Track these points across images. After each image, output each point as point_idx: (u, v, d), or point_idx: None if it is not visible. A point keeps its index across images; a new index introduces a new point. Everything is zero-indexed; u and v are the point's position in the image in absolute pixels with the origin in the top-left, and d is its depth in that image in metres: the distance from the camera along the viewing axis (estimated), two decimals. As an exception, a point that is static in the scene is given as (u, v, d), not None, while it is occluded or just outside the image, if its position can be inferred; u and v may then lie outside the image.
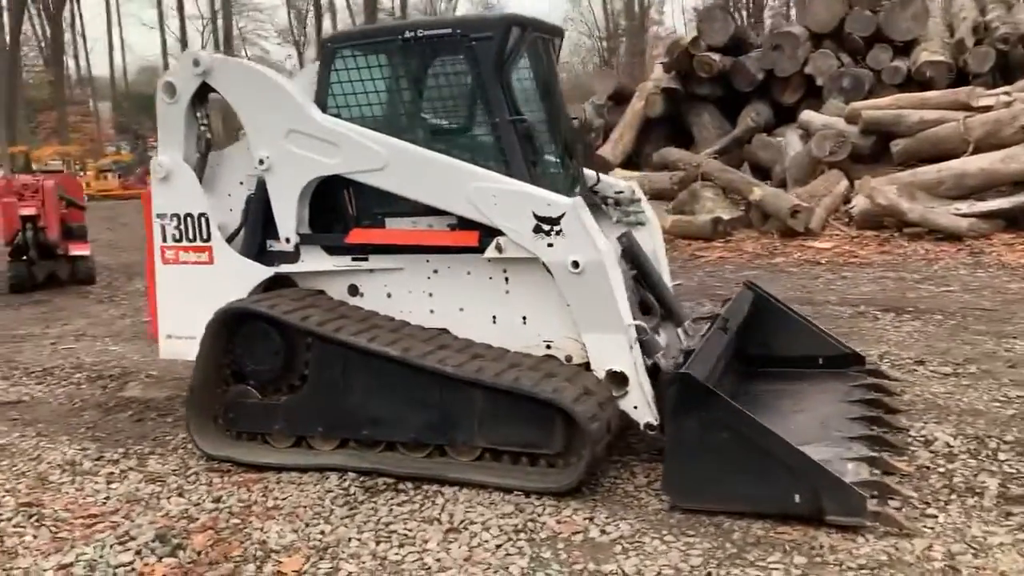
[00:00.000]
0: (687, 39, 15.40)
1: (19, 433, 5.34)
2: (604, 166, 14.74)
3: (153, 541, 3.76)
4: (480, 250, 4.49)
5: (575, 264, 4.23)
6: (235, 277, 4.93)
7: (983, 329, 6.89)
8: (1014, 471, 4.10)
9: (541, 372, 4.20)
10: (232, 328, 4.59)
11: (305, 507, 4.09)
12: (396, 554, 3.59)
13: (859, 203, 11.83)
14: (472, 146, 4.61)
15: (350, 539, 3.74)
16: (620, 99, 17.03)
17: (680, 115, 15.83)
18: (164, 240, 5.11)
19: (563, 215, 4.25)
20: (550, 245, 4.29)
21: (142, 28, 70.78)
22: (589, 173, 5.27)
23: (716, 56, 14.91)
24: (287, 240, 4.85)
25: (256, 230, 4.93)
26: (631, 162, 15.60)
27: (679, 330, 4.99)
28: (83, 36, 58.54)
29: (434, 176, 4.47)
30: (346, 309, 4.72)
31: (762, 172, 13.93)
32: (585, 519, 3.82)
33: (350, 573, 3.47)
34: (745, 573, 3.31)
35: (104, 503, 4.24)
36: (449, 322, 4.69)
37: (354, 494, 4.20)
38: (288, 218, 4.81)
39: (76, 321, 9.01)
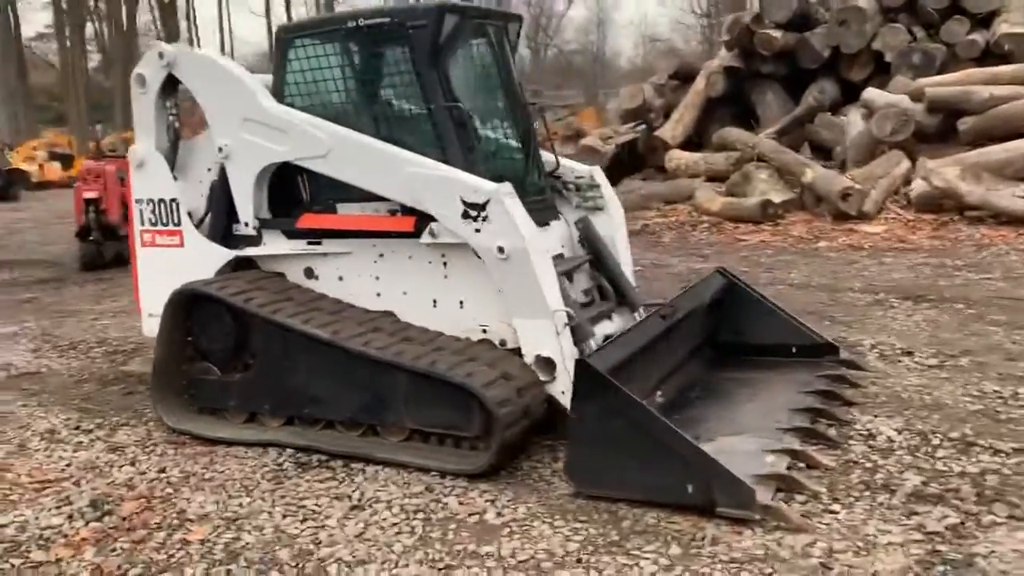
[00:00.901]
0: (748, 16, 14.93)
1: (22, 402, 5.75)
2: (591, 153, 14.60)
3: (87, 507, 4.02)
4: (417, 235, 4.57)
5: (500, 249, 4.27)
6: (202, 259, 5.18)
7: (1001, 320, 6.53)
8: (944, 469, 3.93)
9: (461, 356, 4.27)
10: (187, 308, 4.83)
11: (236, 480, 4.29)
12: (296, 528, 3.74)
13: (917, 185, 11.30)
14: (413, 133, 4.68)
15: (262, 512, 3.92)
16: (687, 78, 16.69)
17: (744, 94, 15.42)
18: (142, 224, 5.40)
19: (488, 201, 4.28)
20: (477, 231, 4.34)
21: (251, 16, 72.93)
22: (549, 158, 5.27)
23: (778, 33, 14.41)
24: (246, 224, 5.05)
25: (219, 215, 5.15)
26: (691, 143, 15.31)
27: (635, 315, 4.97)
28: (195, 24, 60.82)
29: (372, 162, 4.58)
30: (294, 292, 4.89)
31: (824, 152, 13.46)
32: (487, 501, 3.88)
33: (247, 543, 3.64)
34: (615, 560, 3.31)
35: (63, 470, 4.55)
36: (394, 305, 4.80)
37: (286, 469, 4.38)
38: (247, 203, 5.01)
39: (124, 299, 9.53)
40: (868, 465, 4.01)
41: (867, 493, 3.74)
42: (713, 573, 3.18)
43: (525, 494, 3.94)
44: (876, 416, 4.57)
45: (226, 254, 5.13)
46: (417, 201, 4.48)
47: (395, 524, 3.73)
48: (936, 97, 12.00)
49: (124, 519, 3.91)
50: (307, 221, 4.91)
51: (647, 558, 3.31)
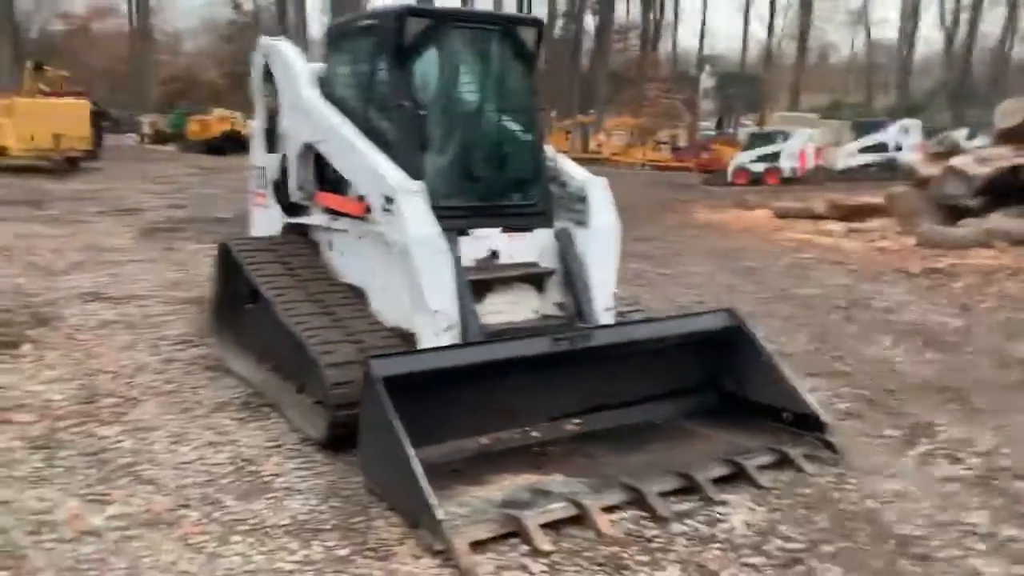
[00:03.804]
0: None
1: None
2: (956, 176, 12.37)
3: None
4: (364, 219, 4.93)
5: (395, 243, 4.48)
6: (273, 219, 6.07)
7: None
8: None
9: (346, 337, 4.55)
10: (224, 257, 5.75)
11: (205, 404, 5.15)
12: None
13: None
14: (382, 128, 4.97)
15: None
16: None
17: None
18: (252, 185, 6.47)
19: (395, 196, 4.49)
20: (388, 223, 4.57)
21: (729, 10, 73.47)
22: (556, 166, 5.21)
23: None
24: (294, 196, 5.81)
25: (283, 185, 5.97)
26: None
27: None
28: (675, 17, 62.53)
29: (344, 150, 5.03)
30: (297, 260, 5.46)
31: None
32: (292, 468, 4.20)
33: (114, 446, 4.46)
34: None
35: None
36: (365, 284, 5.20)
37: (223, 404, 5.11)
38: (293, 176, 5.76)
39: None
40: (646, 540, 3.51)
41: (589, 568, 3.32)
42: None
43: (326, 484, 4.11)
44: (755, 508, 3.86)
45: (283, 218, 5.95)
46: (363, 190, 4.84)
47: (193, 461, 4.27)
48: None
49: None
50: (319, 198, 5.51)
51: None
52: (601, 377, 4.67)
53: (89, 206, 15.05)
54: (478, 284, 4.84)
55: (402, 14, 4.71)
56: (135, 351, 6.15)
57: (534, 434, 4.50)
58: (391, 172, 4.61)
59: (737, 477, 4.13)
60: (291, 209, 5.92)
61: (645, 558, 3.42)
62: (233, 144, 29.99)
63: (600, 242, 5.04)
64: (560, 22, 54.02)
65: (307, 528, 3.62)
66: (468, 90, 5.04)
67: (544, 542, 3.45)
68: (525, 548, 3.45)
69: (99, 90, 51.63)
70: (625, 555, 3.43)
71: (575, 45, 51.26)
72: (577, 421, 4.64)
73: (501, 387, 4.37)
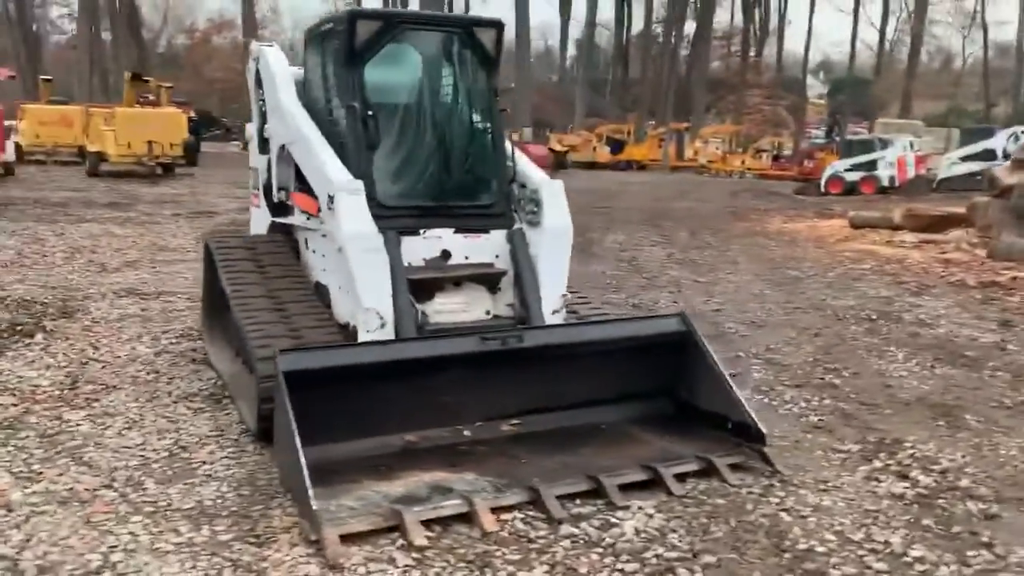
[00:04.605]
0: None
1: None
2: None
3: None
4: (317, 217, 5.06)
5: (333, 241, 4.59)
6: (262, 219, 6.29)
7: None
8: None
9: (280, 332, 4.68)
10: (208, 256, 5.98)
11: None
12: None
13: None
14: (336, 129, 5.09)
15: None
16: None
17: None
18: (251, 187, 6.71)
19: (335, 194, 4.60)
20: (330, 221, 4.69)
21: (839, 14, 70.84)
22: (518, 168, 5.22)
23: None
24: (276, 196, 6.00)
25: (268, 185, 6.16)
26: None
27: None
28: (781, 21, 60.64)
29: (304, 151, 5.17)
30: (270, 258, 5.63)
31: None
32: (222, 457, 4.35)
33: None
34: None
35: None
36: (328, 281, 5.32)
37: (199, 393, 5.33)
38: (275, 178, 5.94)
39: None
40: (534, 546, 3.48)
41: (456, 564, 3.31)
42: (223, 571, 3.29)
43: (245, 473, 4.22)
44: (654, 515, 3.76)
45: (268, 218, 6.16)
46: (316, 190, 4.97)
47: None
48: None
49: None
50: (294, 198, 5.67)
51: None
52: (543, 379, 4.65)
53: (168, 209, 15.86)
54: (426, 283, 4.89)
55: (352, 17, 4.83)
56: (137, 343, 6.48)
57: (466, 433, 4.51)
58: (334, 172, 4.72)
59: (655, 483, 4.04)
60: (276, 209, 6.11)
61: (516, 558, 3.39)
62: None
63: (551, 244, 5.01)
64: (659, 28, 53.55)
65: (206, 513, 3.74)
66: (423, 92, 5.09)
67: (418, 537, 3.47)
68: (402, 542, 3.47)
69: (214, 100, 54.45)
70: (498, 554, 3.41)
71: (673, 51, 50.59)
72: (515, 422, 4.63)
73: (432, 385, 4.40)
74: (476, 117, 5.16)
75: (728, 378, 4.60)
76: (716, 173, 39.14)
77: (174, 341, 6.55)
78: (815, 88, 63.66)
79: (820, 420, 5.19)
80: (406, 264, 4.78)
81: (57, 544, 3.42)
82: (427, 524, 3.59)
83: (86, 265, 9.89)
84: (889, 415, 5.30)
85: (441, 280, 4.94)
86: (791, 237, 14.90)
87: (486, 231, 5.11)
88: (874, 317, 8.10)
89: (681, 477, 4.10)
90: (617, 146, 43.90)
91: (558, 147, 37.75)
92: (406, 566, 3.31)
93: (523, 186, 5.21)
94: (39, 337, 6.51)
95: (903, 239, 14.25)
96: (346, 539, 3.44)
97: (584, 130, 46.89)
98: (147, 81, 24.95)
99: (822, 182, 28.20)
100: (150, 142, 20.62)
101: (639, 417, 4.80)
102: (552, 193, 5.09)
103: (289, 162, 5.80)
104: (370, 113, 4.84)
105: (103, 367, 5.85)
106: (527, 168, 5.27)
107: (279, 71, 5.82)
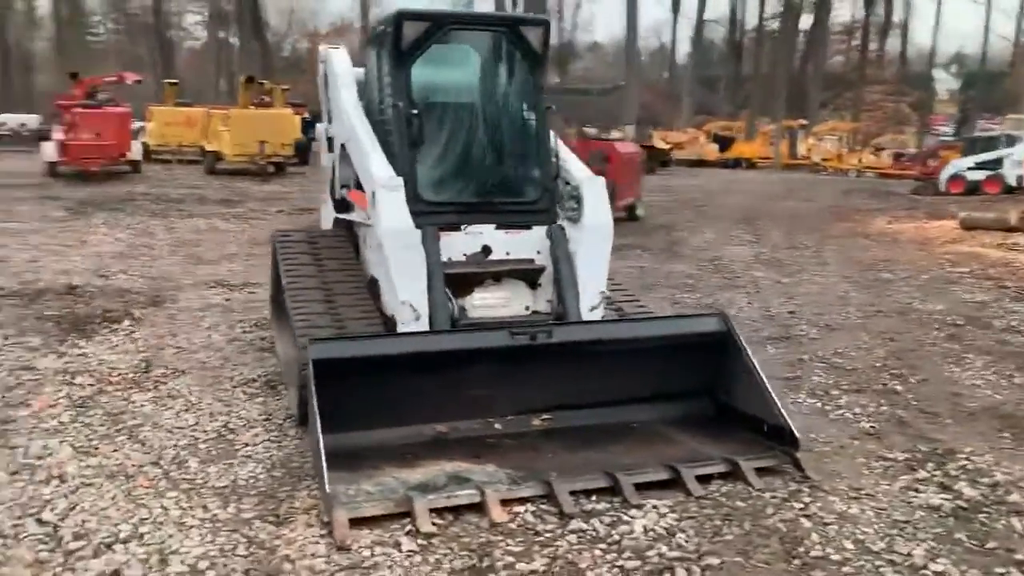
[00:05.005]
0: None
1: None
2: None
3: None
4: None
5: (374, 236, 4.74)
6: (329, 216, 6.52)
7: None
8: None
9: (325, 322, 4.85)
10: (274, 249, 6.24)
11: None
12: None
13: None
14: (385, 128, 5.23)
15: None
16: None
17: None
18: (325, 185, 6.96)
19: (376, 190, 4.75)
20: (373, 216, 4.84)
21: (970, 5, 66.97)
22: (561, 164, 5.24)
23: None
24: (338, 193, 6.21)
25: (333, 183, 6.38)
26: None
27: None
28: (906, 14, 57.85)
29: (356, 149, 5.34)
30: (328, 252, 5.83)
31: None
32: (264, 440, 4.56)
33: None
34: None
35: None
36: (379, 275, 5.48)
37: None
38: (337, 175, 6.15)
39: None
40: (538, 534, 3.53)
41: (458, 552, 3.39)
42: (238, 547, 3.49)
43: (282, 456, 4.42)
44: (666, 515, 3.73)
45: (333, 215, 6.38)
46: (364, 187, 5.13)
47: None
48: None
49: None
50: (351, 195, 5.87)
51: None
52: (575, 375, 4.66)
53: (274, 205, 16.53)
54: (465, 278, 4.98)
55: (399, 18, 4.96)
56: (213, 331, 6.84)
57: (497, 426, 4.58)
58: (377, 168, 4.87)
59: (675, 484, 4.00)
60: (339, 205, 6.32)
61: (518, 549, 3.44)
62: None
63: (590, 241, 5.02)
64: (775, 23, 51.97)
65: (236, 492, 3.95)
66: (470, 90, 5.18)
67: (426, 524, 3.56)
68: (410, 528, 3.57)
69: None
70: (501, 544, 3.47)
71: (789, 46, 48.99)
72: (546, 417, 4.66)
73: (464, 378, 4.49)
74: (522, 114, 5.21)
75: (765, 380, 4.50)
76: (831, 172, 37.78)
77: (248, 330, 6.87)
78: (945, 83, 60.52)
79: (872, 426, 5.00)
80: (446, 259, 4.89)
81: (96, 514, 3.68)
82: (440, 512, 3.68)
83: (186, 258, 10.45)
84: (948, 424, 5.06)
85: (480, 275, 5.02)
86: (893, 238, 14.27)
87: (528, 227, 5.16)
88: (960, 323, 7.70)
89: (705, 479, 4.05)
90: (725, 143, 42.94)
91: (662, 145, 37.19)
92: (410, 551, 3.41)
93: (566, 183, 5.23)
94: (126, 323, 6.95)
95: (1017, 242, 13.44)
96: (359, 522, 3.57)
97: (692, 127, 46.10)
98: (262, 84, 26.01)
99: (941, 181, 26.79)
100: (262, 142, 21.52)
101: (676, 417, 4.76)
102: (593, 190, 5.09)
103: (348, 160, 6.01)
104: (415, 112, 4.96)
105: (176, 352, 6.20)
106: (571, 165, 5.29)
107: (341, 72, 6.03)
